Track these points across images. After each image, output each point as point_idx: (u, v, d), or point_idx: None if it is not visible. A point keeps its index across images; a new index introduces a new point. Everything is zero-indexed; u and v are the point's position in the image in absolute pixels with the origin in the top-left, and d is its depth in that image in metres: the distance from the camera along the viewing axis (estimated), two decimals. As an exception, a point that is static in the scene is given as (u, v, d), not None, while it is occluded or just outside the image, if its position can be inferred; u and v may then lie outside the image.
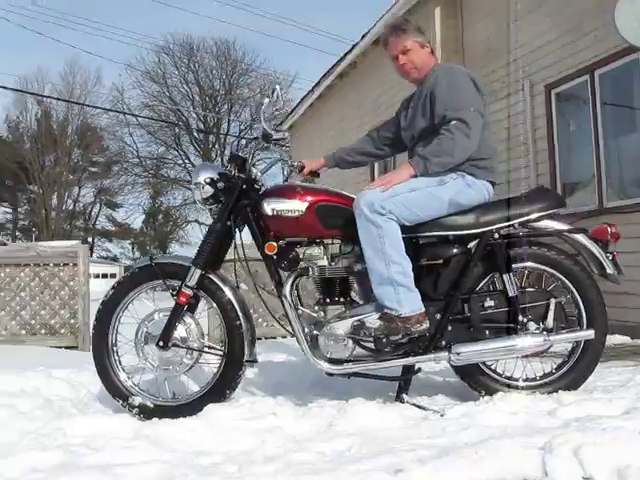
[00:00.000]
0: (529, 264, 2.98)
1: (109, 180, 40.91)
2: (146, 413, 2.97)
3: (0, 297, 5.99)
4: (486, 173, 2.94)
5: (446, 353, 2.83)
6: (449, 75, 2.93)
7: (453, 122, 2.79)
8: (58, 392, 3.33)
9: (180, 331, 3.02)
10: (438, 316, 2.87)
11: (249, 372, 3.25)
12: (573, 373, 2.97)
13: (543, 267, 2.97)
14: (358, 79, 10.55)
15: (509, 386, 2.95)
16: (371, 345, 2.82)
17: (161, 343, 2.97)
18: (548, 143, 6.47)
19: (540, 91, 6.58)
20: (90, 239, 43.32)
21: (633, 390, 2.95)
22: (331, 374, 2.93)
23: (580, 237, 2.96)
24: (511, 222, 2.88)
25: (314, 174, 3.42)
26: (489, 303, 2.90)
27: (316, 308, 2.95)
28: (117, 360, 3.10)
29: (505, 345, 2.83)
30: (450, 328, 2.87)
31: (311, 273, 2.92)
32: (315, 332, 2.87)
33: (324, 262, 2.93)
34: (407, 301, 2.75)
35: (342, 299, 2.94)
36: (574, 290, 2.95)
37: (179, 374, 3.06)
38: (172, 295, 3.04)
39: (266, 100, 2.99)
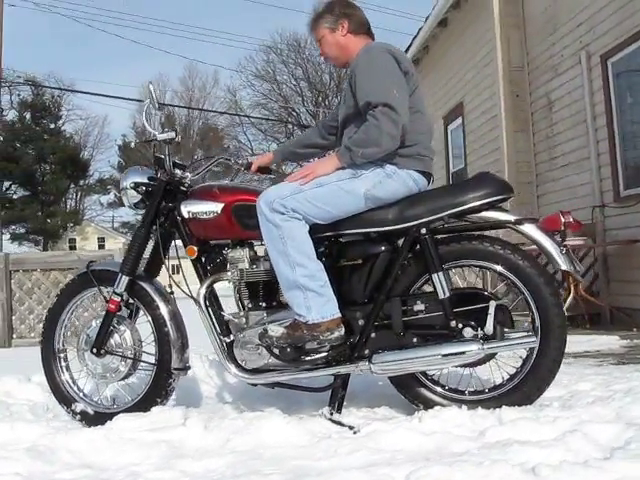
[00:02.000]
0: (467, 261, 2.63)
1: (228, 178, 42.26)
2: (87, 420, 2.95)
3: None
4: (412, 161, 2.61)
5: (366, 363, 2.55)
6: (366, 56, 2.62)
7: (378, 108, 2.49)
8: (28, 397, 3.40)
9: (115, 338, 2.97)
10: (361, 322, 2.60)
11: (185, 380, 3.13)
12: (525, 386, 2.57)
13: (485, 264, 2.61)
14: (431, 64, 10.09)
15: (452, 399, 2.62)
16: (287, 354, 2.60)
17: (94, 350, 2.93)
18: (607, 119, 5.78)
19: (596, 62, 5.90)
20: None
21: (595, 406, 2.52)
22: (255, 384, 2.75)
23: (527, 228, 2.56)
24: (439, 215, 2.54)
25: (265, 170, 3.23)
26: (418, 307, 2.59)
27: (240, 314, 2.78)
28: (62, 366, 3.09)
29: (429, 354, 2.50)
30: (374, 335, 2.59)
31: (230, 276, 2.75)
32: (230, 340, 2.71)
33: (245, 265, 2.74)
34: (316, 307, 2.51)
35: (264, 304, 2.75)
36: (524, 289, 2.56)
37: (115, 381, 3.01)
38: (106, 301, 3.00)
39: (146, 101, 2.86)
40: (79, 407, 3.00)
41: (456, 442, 2.23)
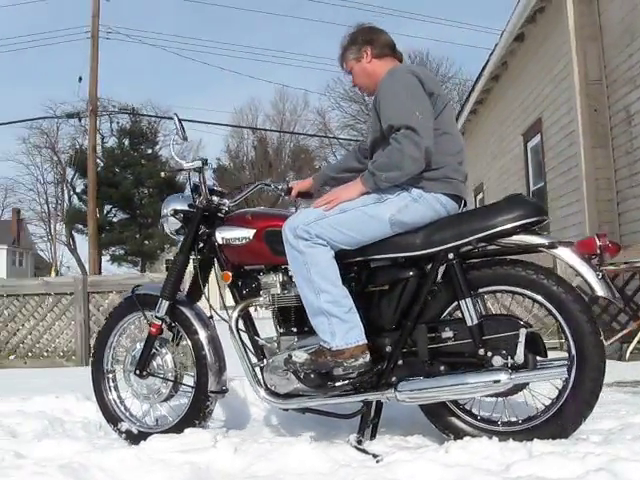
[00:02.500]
0: (499, 287, 2.54)
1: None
2: (131, 438, 3.04)
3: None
4: (439, 184, 2.55)
5: (392, 391, 2.50)
6: (389, 79, 2.59)
7: (401, 131, 2.46)
8: (85, 415, 3.56)
9: (157, 360, 3.06)
10: (389, 349, 2.56)
11: (225, 403, 3.17)
12: (560, 418, 2.44)
13: (518, 289, 2.50)
14: (510, 80, 9.85)
15: (484, 430, 2.52)
16: (312, 380, 2.59)
17: (137, 371, 3.03)
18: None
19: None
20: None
21: (624, 440, 2.36)
22: (286, 409, 2.76)
23: (561, 252, 2.44)
24: (466, 239, 2.47)
25: (305, 195, 3.25)
26: (447, 334, 2.51)
27: (273, 339, 2.81)
28: (110, 387, 3.21)
29: (455, 383, 2.42)
30: (402, 362, 2.53)
31: (262, 302, 2.78)
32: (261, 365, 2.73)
33: (276, 290, 2.76)
34: (340, 333, 2.49)
35: (295, 329, 2.75)
36: (559, 317, 2.44)
37: (157, 402, 3.09)
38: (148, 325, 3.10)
39: (173, 131, 2.94)
40: (124, 426, 3.11)
41: (477, 475, 2.15)
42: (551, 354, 2.57)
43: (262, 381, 2.72)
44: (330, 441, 2.67)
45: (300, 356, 2.56)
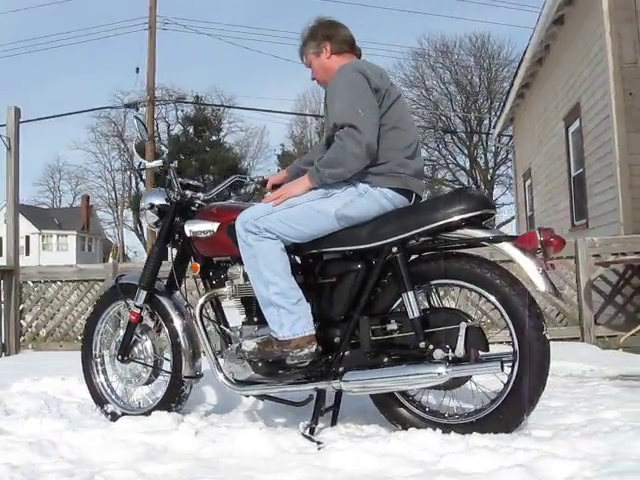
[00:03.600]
0: (444, 281, 2.55)
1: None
2: (115, 419, 3.20)
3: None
4: (385, 179, 2.57)
5: (338, 381, 2.56)
6: (336, 77, 2.63)
7: (344, 129, 2.51)
8: (84, 396, 3.75)
9: (138, 347, 3.22)
10: (337, 340, 2.62)
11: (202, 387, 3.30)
12: (502, 413, 2.45)
13: (463, 283, 2.52)
14: (552, 63, 9.56)
15: (430, 422, 2.55)
16: (262, 368, 2.68)
17: (119, 357, 3.20)
18: None
19: None
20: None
21: (590, 438, 2.36)
22: (246, 395, 2.87)
23: (504, 247, 2.43)
24: (409, 233, 2.49)
25: (279, 187, 3.33)
26: (392, 327, 2.55)
27: (236, 328, 2.91)
28: (98, 370, 3.40)
29: (394, 375, 2.47)
30: (348, 353, 2.59)
31: (226, 292, 2.89)
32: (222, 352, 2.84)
33: (239, 281, 2.86)
34: (287, 324, 2.57)
35: (256, 319, 2.84)
36: (502, 310, 2.45)
37: (138, 386, 3.25)
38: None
39: (135, 133, 3.05)
40: (110, 408, 3.28)
41: (399, 467, 2.21)
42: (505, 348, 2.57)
43: (222, 368, 2.83)
44: (284, 427, 2.76)
45: (249, 345, 2.65)
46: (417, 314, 2.47)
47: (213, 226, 2.89)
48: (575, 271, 5.75)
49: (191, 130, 41.35)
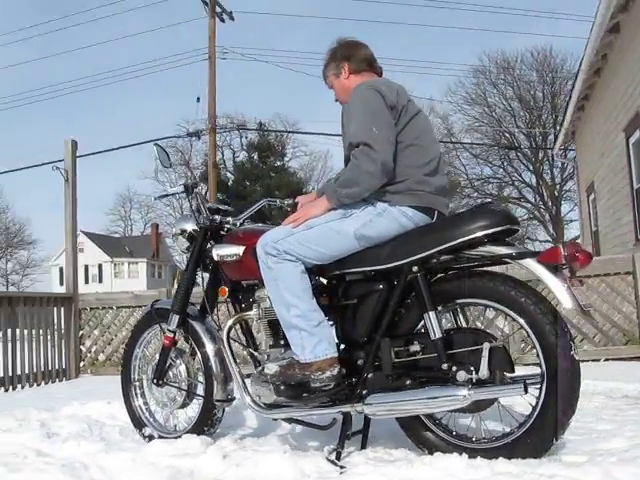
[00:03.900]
0: (469, 300, 2.48)
1: (453, 204, 41.76)
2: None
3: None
4: (403, 197, 2.53)
5: (361, 404, 2.51)
6: (352, 96, 2.62)
7: (359, 147, 2.50)
8: (127, 420, 3.83)
9: (172, 371, 3.26)
10: (360, 362, 2.58)
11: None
12: (530, 437, 2.34)
13: (486, 302, 2.44)
14: (610, 73, 9.26)
15: (456, 446, 2.46)
16: (285, 391, 2.66)
17: (155, 380, 3.25)
18: None
19: None
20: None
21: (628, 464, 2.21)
22: (275, 419, 2.85)
23: (528, 263, 2.35)
24: (429, 251, 2.43)
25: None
26: (414, 348, 2.49)
27: (265, 351, 2.90)
28: (136, 394, 3.45)
29: (416, 398, 2.40)
30: (371, 376, 2.54)
31: (254, 315, 2.89)
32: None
33: (266, 304, 2.85)
34: (309, 346, 2.54)
35: (283, 342, 2.82)
36: (528, 330, 2.35)
37: (174, 409, 3.28)
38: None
39: (155, 161, 3.09)
40: (147, 431, 3.33)
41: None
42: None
43: (250, 391, 2.83)
44: (311, 451, 2.73)
45: (272, 368, 2.64)
46: (439, 335, 2.41)
47: (239, 250, 2.90)
48: (634, 287, 5.50)
49: (255, 156, 42.06)
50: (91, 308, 7.16)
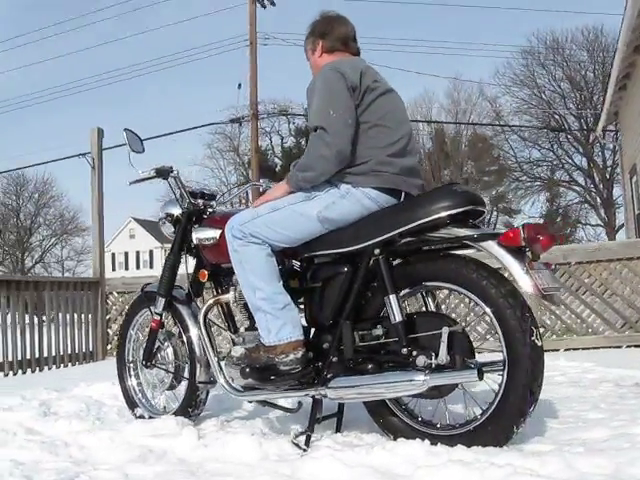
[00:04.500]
0: (431, 283, 2.43)
1: (502, 187, 40.99)
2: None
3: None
4: (366, 179, 2.48)
5: (324, 388, 2.50)
6: (315, 78, 2.59)
7: (316, 131, 2.48)
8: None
9: (161, 353, 3.31)
10: (325, 346, 2.56)
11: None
12: (492, 424, 2.28)
13: (449, 285, 2.38)
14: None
15: (421, 432, 2.43)
16: (252, 374, 2.67)
17: (144, 362, 3.31)
18: None
19: None
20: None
21: (596, 455, 2.16)
22: (250, 401, 2.87)
23: (488, 245, 2.28)
24: (389, 233, 2.39)
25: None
26: (377, 332, 2.46)
27: (240, 334, 2.92)
28: (129, 375, 3.52)
29: (374, 382, 2.37)
30: (336, 360, 2.52)
31: (230, 298, 2.90)
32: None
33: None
34: (274, 329, 2.54)
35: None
36: (490, 315, 2.29)
37: (162, 390, 3.34)
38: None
39: (126, 147, 3.10)
40: (139, 411, 3.39)
41: (370, 477, 2.11)
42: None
43: (224, 373, 2.85)
44: (282, 434, 2.73)
45: (237, 350, 2.66)
46: (399, 318, 2.37)
47: (216, 233, 2.92)
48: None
49: (303, 142, 42.14)
50: (118, 292, 7.32)
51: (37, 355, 6.29)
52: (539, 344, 2.24)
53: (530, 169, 33.15)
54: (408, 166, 2.56)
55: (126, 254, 51.75)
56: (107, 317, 7.21)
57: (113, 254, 50.86)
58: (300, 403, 2.70)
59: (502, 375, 2.26)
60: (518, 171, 33.41)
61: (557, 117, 31.63)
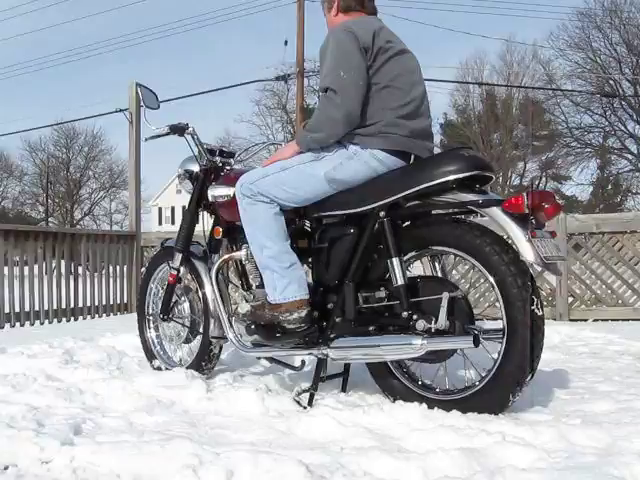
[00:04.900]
0: (436, 248, 2.41)
1: (552, 153, 39.97)
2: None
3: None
4: (374, 140, 2.45)
5: (326, 347, 2.53)
6: (327, 38, 2.55)
7: (326, 92, 2.46)
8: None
9: (178, 307, 3.39)
10: (330, 306, 2.58)
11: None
12: (488, 392, 2.28)
13: (454, 251, 2.37)
14: None
15: (419, 396, 2.44)
16: (258, 331, 2.71)
17: (161, 316, 3.39)
18: None
19: None
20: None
21: (589, 427, 2.15)
22: (256, 357, 2.92)
23: (492, 211, 2.25)
24: (395, 196, 2.37)
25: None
26: (380, 294, 2.46)
27: (252, 291, 2.96)
28: (150, 327, 3.61)
29: (370, 344, 2.39)
30: (339, 320, 2.54)
31: (242, 255, 2.93)
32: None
33: (252, 245, 2.90)
34: (280, 288, 2.57)
35: (267, 282, 2.87)
36: (492, 281, 2.27)
37: (179, 343, 3.42)
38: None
39: (141, 104, 3.10)
40: (156, 363, 3.49)
41: (357, 439, 2.13)
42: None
43: (234, 329, 2.90)
44: (284, 390, 2.79)
45: (244, 307, 2.70)
46: (401, 282, 2.36)
47: (230, 191, 2.93)
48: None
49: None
50: (152, 246, 7.46)
51: (72, 305, 6.50)
52: (539, 314, 2.22)
53: (581, 135, 32.16)
54: (419, 129, 2.52)
55: (172, 209, 52.49)
56: (142, 270, 7.37)
57: (160, 208, 51.69)
58: (303, 362, 2.74)
59: (502, 343, 2.25)
60: (569, 137, 32.44)
61: (611, 82, 30.44)
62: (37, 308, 6.13)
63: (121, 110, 7.25)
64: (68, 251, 6.49)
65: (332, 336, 2.54)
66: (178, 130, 3.13)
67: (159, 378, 3.02)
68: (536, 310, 2.20)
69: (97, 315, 6.81)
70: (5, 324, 5.82)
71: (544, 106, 35.60)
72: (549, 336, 4.75)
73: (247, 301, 2.93)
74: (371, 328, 2.45)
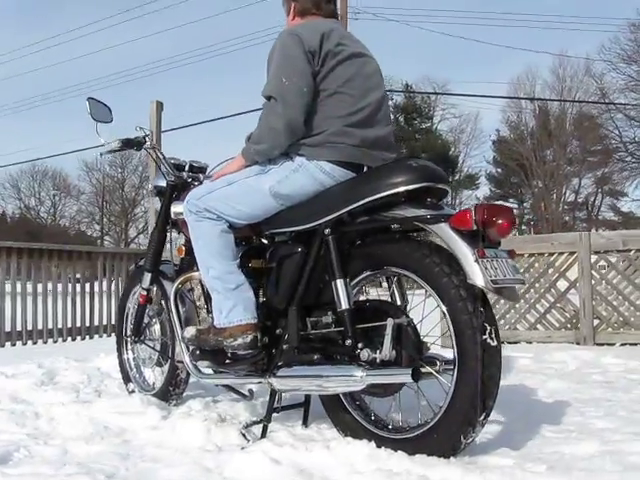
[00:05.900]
0: (384, 269, 2.18)
1: (607, 168, 38.74)
2: (133, 398, 3.30)
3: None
4: (320, 151, 2.25)
5: (272, 377, 2.32)
6: (274, 43, 2.37)
7: (269, 101, 2.29)
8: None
9: (149, 329, 3.25)
10: (278, 331, 2.38)
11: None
12: (439, 431, 2.02)
13: (402, 271, 2.13)
14: None
15: (369, 433, 2.20)
16: (203, 356, 2.53)
17: (133, 337, 3.26)
18: None
19: None
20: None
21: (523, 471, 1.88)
22: (213, 383, 2.74)
23: (438, 228, 2.00)
24: (339, 212, 2.16)
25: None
26: (327, 319, 2.25)
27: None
28: (126, 349, 3.47)
29: (313, 374, 2.17)
30: (286, 347, 2.33)
31: (198, 276, 2.77)
32: (188, 337, 2.74)
33: (210, 264, 2.73)
34: (225, 310, 2.39)
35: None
36: (442, 307, 2.02)
37: (150, 366, 3.28)
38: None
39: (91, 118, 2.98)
40: (131, 387, 3.35)
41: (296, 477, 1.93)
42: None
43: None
44: (239, 421, 2.59)
45: (189, 331, 2.53)
46: (345, 306, 2.14)
47: (188, 207, 2.78)
48: None
49: (401, 118, 41.56)
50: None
51: (87, 324, 6.48)
52: (493, 344, 1.96)
53: (635, 149, 30.96)
54: (372, 137, 2.31)
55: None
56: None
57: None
58: (250, 391, 2.55)
59: (452, 376, 2.00)
60: (622, 151, 31.28)
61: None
62: (50, 326, 6.14)
63: (141, 128, 7.23)
64: (84, 269, 6.50)
65: (279, 364, 2.34)
66: (135, 144, 3.00)
67: (116, 403, 2.90)
68: (489, 340, 1.94)
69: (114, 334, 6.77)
70: (17, 341, 5.84)
71: (598, 121, 34.53)
72: (565, 362, 4.49)
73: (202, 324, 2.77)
74: (316, 357, 2.23)
